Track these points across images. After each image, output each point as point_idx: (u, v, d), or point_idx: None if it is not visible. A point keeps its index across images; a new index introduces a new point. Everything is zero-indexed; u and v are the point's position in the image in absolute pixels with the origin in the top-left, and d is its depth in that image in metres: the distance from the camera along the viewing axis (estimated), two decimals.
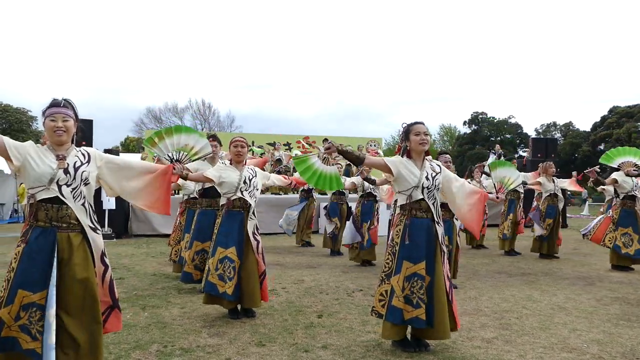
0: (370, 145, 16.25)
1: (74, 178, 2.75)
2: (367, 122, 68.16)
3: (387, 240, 3.71)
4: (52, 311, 2.56)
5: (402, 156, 3.63)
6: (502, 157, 11.10)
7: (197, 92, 76.74)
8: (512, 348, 3.64)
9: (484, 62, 72.53)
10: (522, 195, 9.48)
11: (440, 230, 3.54)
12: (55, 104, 2.81)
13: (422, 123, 3.59)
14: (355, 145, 17.03)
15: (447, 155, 5.84)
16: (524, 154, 29.18)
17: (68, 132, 2.80)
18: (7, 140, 2.67)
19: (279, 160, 12.57)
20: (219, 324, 4.22)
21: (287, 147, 17.44)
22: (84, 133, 13.26)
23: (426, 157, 3.65)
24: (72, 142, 2.87)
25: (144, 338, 3.82)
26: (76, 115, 2.88)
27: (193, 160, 3.71)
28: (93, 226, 2.82)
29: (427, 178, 3.51)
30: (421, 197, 3.49)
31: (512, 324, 4.27)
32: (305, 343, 3.72)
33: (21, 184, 17.69)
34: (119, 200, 10.42)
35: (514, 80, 72.91)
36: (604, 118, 39.96)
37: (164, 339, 3.79)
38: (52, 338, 2.53)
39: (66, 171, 2.73)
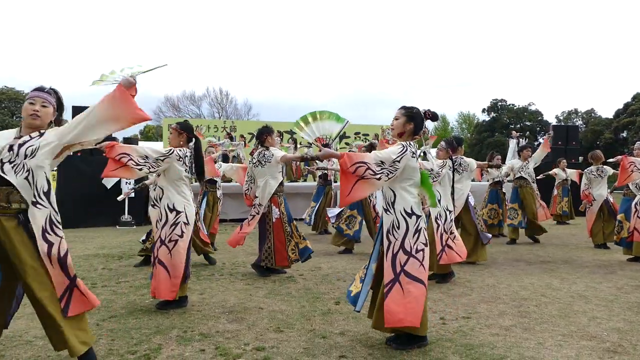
0: (387, 133, 16.13)
1: (17, 154, 2.69)
2: (384, 109, 67.53)
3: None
4: None
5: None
6: (519, 144, 10.97)
7: (215, 80, 76.93)
8: (531, 336, 3.62)
9: (503, 48, 71.33)
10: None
11: (386, 219, 3.36)
12: (38, 88, 2.82)
13: (400, 108, 3.51)
14: (373, 132, 16.92)
15: (443, 142, 5.83)
16: None
17: (43, 117, 2.80)
18: None
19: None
20: (237, 310, 4.28)
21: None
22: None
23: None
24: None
25: (164, 323, 3.89)
26: (59, 106, 2.89)
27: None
28: (35, 200, 2.72)
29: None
30: None
31: (530, 312, 4.24)
32: (323, 329, 3.75)
33: None
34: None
35: (535, 66, 71.56)
36: (627, 105, 39.00)
37: (184, 324, 3.85)
38: None
39: (10, 148, 2.70)
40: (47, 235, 2.75)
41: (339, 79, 69.66)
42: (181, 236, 4.21)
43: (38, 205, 2.74)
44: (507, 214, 8.75)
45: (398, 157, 3.26)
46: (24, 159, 2.70)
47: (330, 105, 66.17)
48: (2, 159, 2.68)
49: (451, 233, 5.41)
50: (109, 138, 12.37)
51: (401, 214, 3.29)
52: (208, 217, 7.62)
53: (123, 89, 2.89)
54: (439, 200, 5.48)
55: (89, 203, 11.05)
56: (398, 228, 3.28)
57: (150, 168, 4.12)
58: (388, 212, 3.34)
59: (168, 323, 3.89)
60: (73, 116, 10.33)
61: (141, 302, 4.53)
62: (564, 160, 12.21)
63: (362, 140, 16.58)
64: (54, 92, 2.88)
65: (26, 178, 2.70)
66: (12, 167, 2.68)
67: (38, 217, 2.73)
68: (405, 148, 3.31)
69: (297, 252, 5.71)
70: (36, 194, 2.73)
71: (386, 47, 71.78)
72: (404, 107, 3.49)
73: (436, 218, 5.39)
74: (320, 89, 70.07)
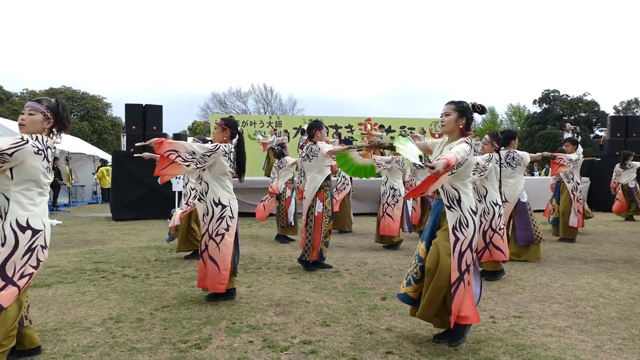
0: (432, 127, 15.82)
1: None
2: (429, 103, 66.39)
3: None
4: None
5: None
6: (577, 136, 10.50)
7: (259, 76, 77.89)
8: (588, 338, 3.47)
9: (554, 35, 68.37)
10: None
11: (450, 215, 3.24)
12: (31, 99, 3.04)
13: (447, 103, 3.39)
14: (419, 125, 16.67)
15: (487, 136, 5.65)
16: (601, 134, 27.39)
17: (28, 125, 2.95)
18: None
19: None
20: (284, 303, 4.32)
21: (348, 130, 17.38)
22: (147, 118, 13.52)
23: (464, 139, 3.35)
24: (49, 136, 3.01)
25: (214, 314, 3.98)
26: (53, 112, 3.01)
27: None
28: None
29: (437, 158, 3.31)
30: (421, 176, 3.40)
31: (587, 313, 4.07)
32: (369, 325, 3.73)
33: (99, 167, 18.86)
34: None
35: (590, 54, 68.26)
36: None
37: (233, 316, 3.93)
38: None
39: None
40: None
41: (381, 73, 69.04)
42: (227, 230, 4.29)
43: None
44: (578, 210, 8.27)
45: (468, 154, 3.19)
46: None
47: (373, 99, 65.63)
48: None
49: (500, 229, 5.26)
50: (160, 135, 12.79)
51: (468, 211, 3.23)
52: None
53: None
54: (485, 196, 5.34)
55: (141, 197, 11.46)
56: (467, 226, 3.21)
57: (197, 164, 4.22)
58: (453, 209, 3.25)
59: (217, 314, 3.98)
60: (126, 114, 10.73)
61: (192, 293, 4.66)
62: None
63: (409, 133, 16.37)
64: (46, 101, 3.03)
65: None
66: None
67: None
68: (470, 145, 3.24)
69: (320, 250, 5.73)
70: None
71: (430, 40, 70.44)
72: (452, 102, 3.39)
73: (482, 215, 5.26)
74: (363, 83, 69.67)
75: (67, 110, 3.14)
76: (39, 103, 3.01)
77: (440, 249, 3.24)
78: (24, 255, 2.83)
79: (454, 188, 3.26)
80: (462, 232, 3.20)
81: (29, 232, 2.85)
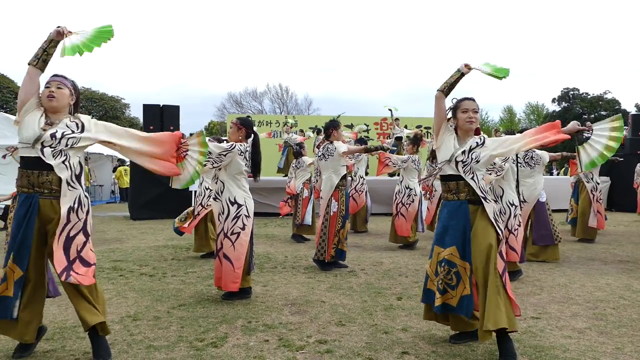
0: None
1: (59, 142, 2.87)
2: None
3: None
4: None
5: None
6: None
7: (275, 76, 78.13)
8: (608, 340, 3.41)
9: (575, 33, 67.29)
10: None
11: (489, 209, 3.14)
12: (54, 74, 2.98)
13: (472, 99, 3.29)
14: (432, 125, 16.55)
15: (503, 134, 5.58)
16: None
17: (59, 98, 2.92)
18: (29, 98, 2.92)
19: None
20: (299, 302, 4.33)
21: (365, 129, 17.34)
22: (165, 118, 13.60)
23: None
24: (71, 113, 3.02)
25: (229, 313, 4.01)
26: (75, 90, 3.03)
27: None
28: (71, 182, 2.91)
29: (463, 152, 3.20)
30: (451, 172, 3.22)
31: (607, 315, 4.00)
32: (385, 325, 3.72)
33: (117, 167, 19.11)
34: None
35: (611, 51, 66.95)
36: None
37: (248, 315, 3.95)
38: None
39: (53, 136, 2.86)
40: (71, 214, 2.91)
41: (397, 73, 68.54)
42: (243, 229, 4.31)
43: (70, 187, 2.92)
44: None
45: None
46: (65, 147, 2.91)
47: (389, 98, 65.35)
48: (43, 142, 2.86)
49: (514, 230, 5.20)
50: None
51: (507, 204, 3.32)
52: None
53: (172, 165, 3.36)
54: (501, 197, 5.24)
55: (158, 197, 11.58)
56: (499, 216, 3.25)
57: (214, 163, 4.26)
58: (488, 200, 3.20)
59: (233, 313, 4.01)
60: (144, 114, 10.83)
61: (208, 292, 4.69)
62: None
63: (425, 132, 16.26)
64: (68, 78, 3.04)
65: (63, 162, 2.90)
66: (51, 152, 2.88)
67: (68, 196, 2.90)
68: None
69: (336, 249, 5.70)
70: (73, 178, 2.94)
71: (446, 39, 69.81)
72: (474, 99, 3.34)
73: (498, 215, 5.20)
74: (379, 82, 69.35)
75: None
76: (64, 78, 3.02)
77: (485, 247, 3.09)
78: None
79: (501, 186, 3.28)
80: (499, 224, 3.20)
81: None
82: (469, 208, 3.20)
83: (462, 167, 3.19)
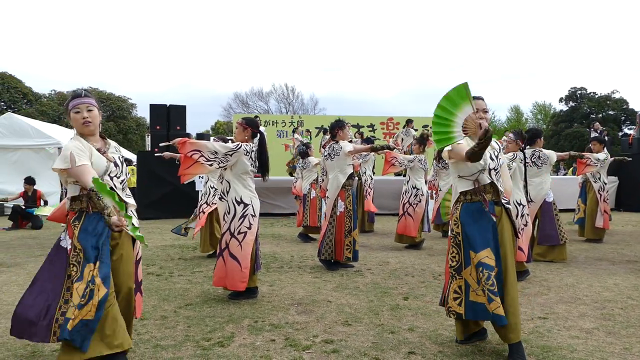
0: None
1: (122, 170, 2.91)
2: None
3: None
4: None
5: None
6: (604, 135, 10.24)
7: (280, 76, 78.19)
8: (616, 340, 3.39)
9: (582, 32, 66.89)
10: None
11: (514, 211, 3.19)
12: (76, 95, 2.84)
13: (480, 98, 3.21)
14: None
15: (511, 134, 5.54)
16: (630, 132, 26.68)
17: (94, 121, 2.84)
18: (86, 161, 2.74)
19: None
20: (306, 302, 4.34)
21: (370, 129, 17.32)
22: (171, 118, 13.66)
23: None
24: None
25: (236, 313, 4.02)
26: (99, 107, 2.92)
27: None
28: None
29: (491, 158, 3.17)
30: (489, 180, 3.13)
31: (615, 315, 3.97)
32: (391, 324, 3.71)
33: None
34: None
35: (618, 50, 66.48)
36: None
37: (255, 315, 3.96)
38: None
39: (115, 164, 2.89)
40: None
41: (404, 72, 68.55)
42: (249, 228, 4.32)
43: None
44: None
45: None
46: (126, 176, 2.99)
47: (395, 98, 65.27)
48: (109, 173, 2.86)
49: (521, 229, 5.17)
50: (183, 135, 12.92)
51: (514, 203, 3.27)
52: None
53: None
54: None
55: (165, 197, 11.63)
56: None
57: (220, 163, 4.27)
58: (507, 205, 3.22)
59: (240, 313, 4.02)
60: (151, 114, 10.87)
61: (214, 291, 4.71)
62: None
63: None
64: (89, 93, 2.92)
65: (127, 195, 2.99)
66: (121, 184, 2.92)
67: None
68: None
69: (352, 250, 5.68)
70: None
71: (453, 38, 69.59)
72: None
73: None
74: (385, 82, 69.29)
75: None
76: (88, 97, 2.87)
77: (509, 250, 3.09)
78: None
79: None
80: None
81: None
82: (494, 210, 3.15)
83: (495, 175, 3.17)
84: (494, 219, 3.11)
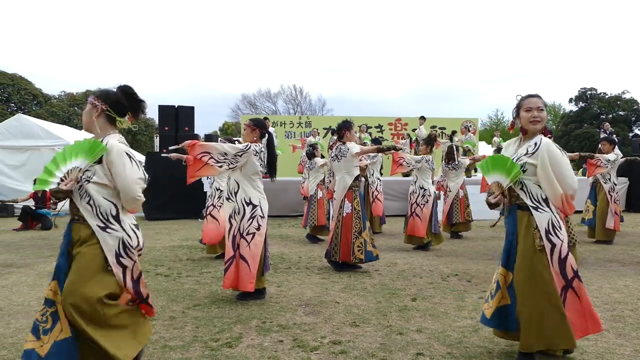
0: (469, 125, 15.47)
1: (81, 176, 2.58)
2: (460, 102, 65.46)
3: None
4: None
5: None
6: (614, 136, 10.15)
7: (288, 77, 78.38)
8: (626, 342, 3.36)
9: (592, 31, 66.35)
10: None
11: (538, 218, 2.89)
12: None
13: (537, 96, 3.02)
14: (451, 126, 16.39)
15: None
16: None
17: (85, 123, 2.72)
18: None
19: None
20: (313, 303, 4.34)
21: (378, 130, 17.28)
22: (180, 119, 13.61)
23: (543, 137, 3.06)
24: (109, 132, 2.69)
25: (244, 313, 4.03)
26: (103, 100, 2.68)
27: None
28: (102, 225, 2.56)
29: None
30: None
31: (625, 317, 3.93)
32: (400, 326, 3.70)
33: None
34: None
35: (629, 50, 65.90)
36: None
37: (263, 315, 3.97)
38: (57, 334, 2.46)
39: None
40: (120, 259, 2.68)
41: (412, 73, 68.45)
42: (258, 229, 4.32)
43: (108, 230, 2.63)
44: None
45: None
46: (83, 182, 2.64)
47: (403, 98, 65.14)
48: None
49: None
50: (192, 136, 12.90)
51: (556, 213, 2.93)
52: None
53: None
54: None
55: (173, 197, 11.68)
56: (560, 228, 2.89)
57: (230, 164, 4.28)
58: (541, 210, 2.93)
59: (248, 313, 4.03)
60: (159, 115, 10.90)
61: (223, 292, 4.72)
62: None
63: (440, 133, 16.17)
64: (100, 91, 2.75)
65: (88, 203, 2.64)
66: (78, 191, 2.63)
67: (108, 242, 2.63)
68: None
69: (364, 251, 5.63)
70: (104, 218, 2.64)
71: (462, 38, 69.33)
72: (540, 96, 3.07)
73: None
74: (393, 82, 69.21)
75: (125, 93, 2.76)
76: (91, 96, 2.75)
77: (528, 261, 2.90)
78: None
79: (536, 185, 2.96)
80: (557, 235, 2.88)
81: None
82: (517, 213, 3.03)
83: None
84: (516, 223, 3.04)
